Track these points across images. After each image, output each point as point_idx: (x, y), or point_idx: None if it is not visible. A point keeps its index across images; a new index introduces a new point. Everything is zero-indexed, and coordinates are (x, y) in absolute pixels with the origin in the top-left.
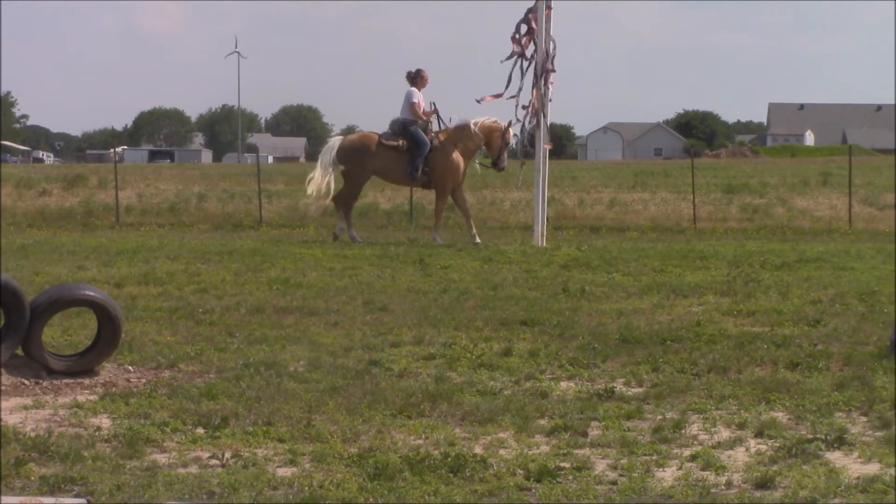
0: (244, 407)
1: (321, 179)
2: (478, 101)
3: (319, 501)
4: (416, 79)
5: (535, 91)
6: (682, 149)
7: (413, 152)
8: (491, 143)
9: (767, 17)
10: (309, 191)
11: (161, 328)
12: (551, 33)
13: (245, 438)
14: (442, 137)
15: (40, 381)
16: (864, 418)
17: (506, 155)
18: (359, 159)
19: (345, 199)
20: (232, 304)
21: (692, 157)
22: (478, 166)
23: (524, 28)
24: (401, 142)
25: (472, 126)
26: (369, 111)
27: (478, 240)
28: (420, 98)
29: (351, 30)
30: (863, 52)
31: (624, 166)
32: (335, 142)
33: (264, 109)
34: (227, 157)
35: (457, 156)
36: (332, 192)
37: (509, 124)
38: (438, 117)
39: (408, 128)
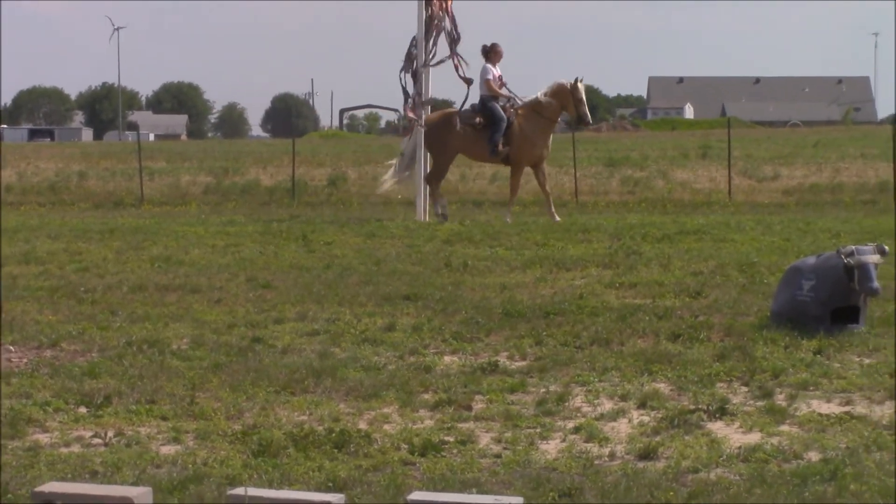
0: (127, 385)
1: (408, 156)
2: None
3: (204, 478)
4: (489, 53)
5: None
6: (562, 123)
7: (491, 129)
8: (566, 104)
9: None
10: (389, 173)
11: (42, 307)
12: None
13: (128, 417)
14: (519, 113)
15: None
16: (745, 388)
17: (586, 109)
18: (440, 138)
19: (434, 178)
20: (114, 282)
21: (573, 131)
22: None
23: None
24: (478, 119)
25: (541, 97)
26: (250, 87)
27: (557, 217)
28: (494, 73)
29: (230, 6)
30: (741, 25)
31: None
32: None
33: (145, 87)
34: (108, 136)
35: (535, 130)
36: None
37: (576, 80)
38: (511, 92)
39: (486, 104)
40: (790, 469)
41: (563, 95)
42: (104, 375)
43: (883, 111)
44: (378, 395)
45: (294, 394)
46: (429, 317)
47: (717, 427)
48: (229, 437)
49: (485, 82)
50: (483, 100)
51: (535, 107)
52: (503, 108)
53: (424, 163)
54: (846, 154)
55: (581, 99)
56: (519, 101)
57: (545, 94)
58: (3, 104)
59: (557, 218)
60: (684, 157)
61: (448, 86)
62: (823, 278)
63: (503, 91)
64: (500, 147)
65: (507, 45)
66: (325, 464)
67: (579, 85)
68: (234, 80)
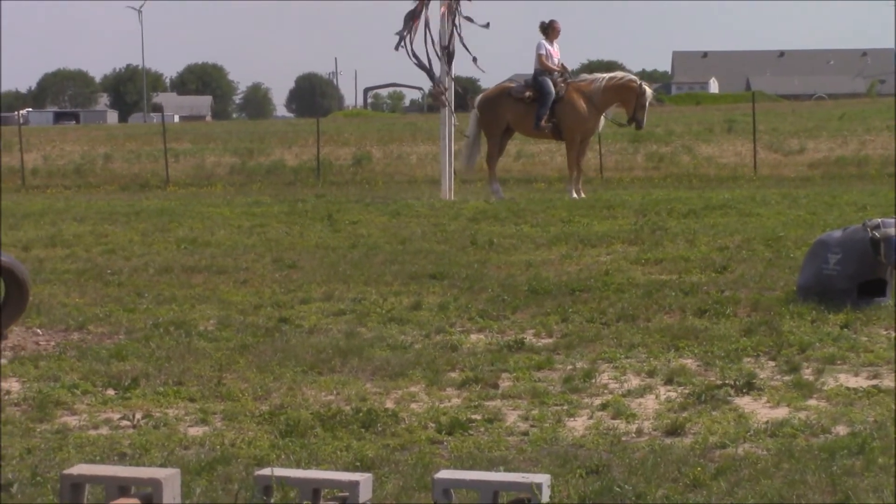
0: (154, 367)
1: (471, 137)
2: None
3: (231, 459)
4: (547, 30)
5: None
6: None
7: (537, 102)
8: (626, 102)
9: None
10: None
11: (69, 290)
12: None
13: (156, 399)
14: (571, 88)
15: None
16: (772, 363)
17: (643, 115)
18: (493, 112)
19: (491, 158)
20: (140, 264)
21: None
22: (602, 122)
23: None
24: (527, 93)
25: (598, 83)
26: (274, 68)
27: (574, 195)
28: (547, 49)
29: None
30: None
31: None
32: (478, 99)
33: (169, 68)
34: (133, 118)
35: (584, 107)
36: (479, 148)
37: (642, 84)
38: (564, 69)
39: (536, 78)
40: (818, 443)
41: (628, 94)
42: (131, 357)
43: None
44: (405, 374)
45: (321, 374)
46: (455, 295)
47: (745, 402)
48: (257, 417)
49: (537, 57)
50: (535, 74)
51: (588, 89)
52: (554, 82)
53: (449, 142)
54: (871, 127)
55: (644, 106)
56: (577, 78)
57: (608, 83)
58: (28, 87)
59: (575, 195)
60: (709, 132)
61: (471, 65)
62: (849, 252)
63: (559, 68)
64: (544, 122)
65: (530, 19)
66: (353, 443)
67: (649, 91)
68: (259, 61)
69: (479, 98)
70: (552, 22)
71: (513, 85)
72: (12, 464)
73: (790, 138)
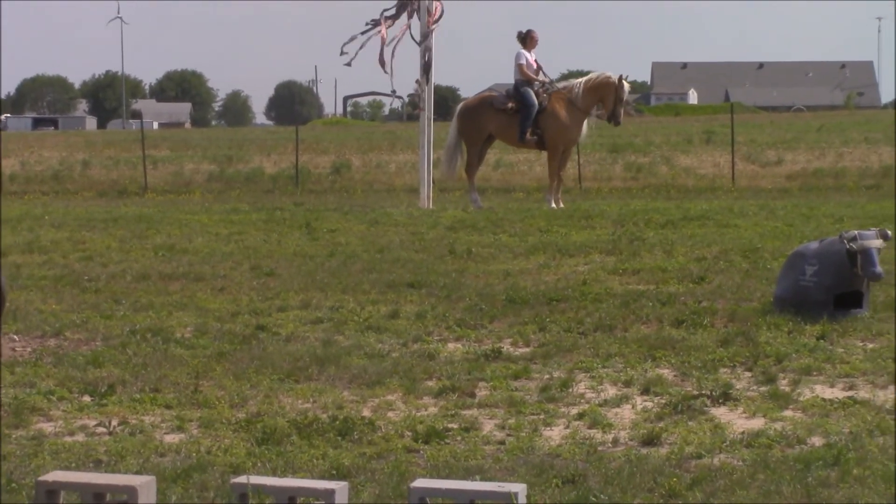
0: (131, 374)
1: (450, 145)
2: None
3: (207, 467)
4: (525, 40)
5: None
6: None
7: (521, 114)
8: (604, 99)
9: None
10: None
11: (46, 296)
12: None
13: (132, 405)
14: (553, 98)
15: None
16: (748, 374)
17: (621, 110)
18: (474, 122)
19: (470, 167)
20: (117, 271)
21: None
22: (585, 131)
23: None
24: (510, 104)
25: (576, 87)
26: (254, 75)
27: (552, 205)
28: (527, 59)
29: None
30: (745, 9)
31: None
32: (459, 107)
33: (148, 75)
34: (112, 124)
35: (567, 116)
36: (461, 155)
37: (620, 78)
38: (546, 77)
39: (518, 89)
40: (793, 454)
41: (606, 90)
42: (108, 364)
43: (886, 96)
44: (382, 382)
45: (298, 381)
46: (432, 304)
47: (721, 413)
48: (233, 425)
49: (517, 67)
50: (516, 84)
51: (569, 95)
52: (536, 93)
53: (428, 151)
54: (849, 139)
55: (622, 99)
56: (556, 86)
57: (586, 84)
58: (6, 93)
59: (553, 205)
60: (688, 143)
61: (453, 73)
62: (826, 263)
63: (540, 76)
64: (529, 135)
65: (511, 29)
66: (329, 451)
67: (626, 84)
68: (238, 68)
69: (459, 106)
70: (530, 31)
71: (495, 94)
72: None
73: (768, 150)
